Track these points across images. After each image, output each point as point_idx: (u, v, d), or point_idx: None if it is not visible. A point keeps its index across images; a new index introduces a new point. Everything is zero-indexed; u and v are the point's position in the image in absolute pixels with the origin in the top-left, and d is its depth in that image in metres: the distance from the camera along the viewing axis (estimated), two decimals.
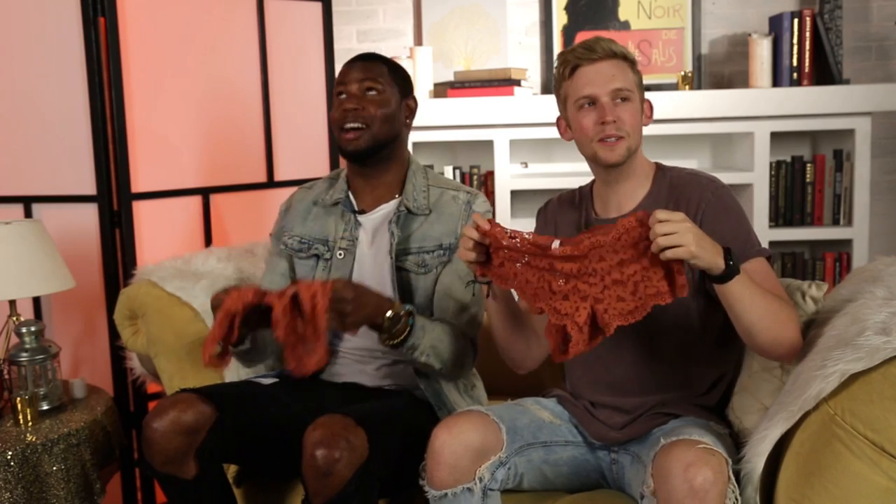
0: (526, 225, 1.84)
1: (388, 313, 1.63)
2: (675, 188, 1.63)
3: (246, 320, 1.58)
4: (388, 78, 1.82)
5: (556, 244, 1.46)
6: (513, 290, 1.54)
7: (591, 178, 1.79)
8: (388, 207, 1.86)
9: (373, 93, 1.79)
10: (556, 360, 1.49)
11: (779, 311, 1.46)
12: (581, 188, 1.79)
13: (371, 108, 1.78)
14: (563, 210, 1.78)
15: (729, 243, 1.49)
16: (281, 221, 1.98)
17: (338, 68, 1.92)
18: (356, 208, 1.88)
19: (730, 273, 1.40)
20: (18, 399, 1.99)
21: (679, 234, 1.34)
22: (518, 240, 1.49)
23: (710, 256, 1.37)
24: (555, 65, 1.68)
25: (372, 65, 1.82)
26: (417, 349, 1.68)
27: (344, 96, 1.81)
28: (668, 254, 1.35)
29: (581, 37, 3.08)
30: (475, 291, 1.81)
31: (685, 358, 1.64)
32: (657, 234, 1.35)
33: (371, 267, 1.84)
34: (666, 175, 1.67)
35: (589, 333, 1.44)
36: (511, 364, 1.76)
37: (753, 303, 1.43)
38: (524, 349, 1.72)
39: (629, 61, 1.62)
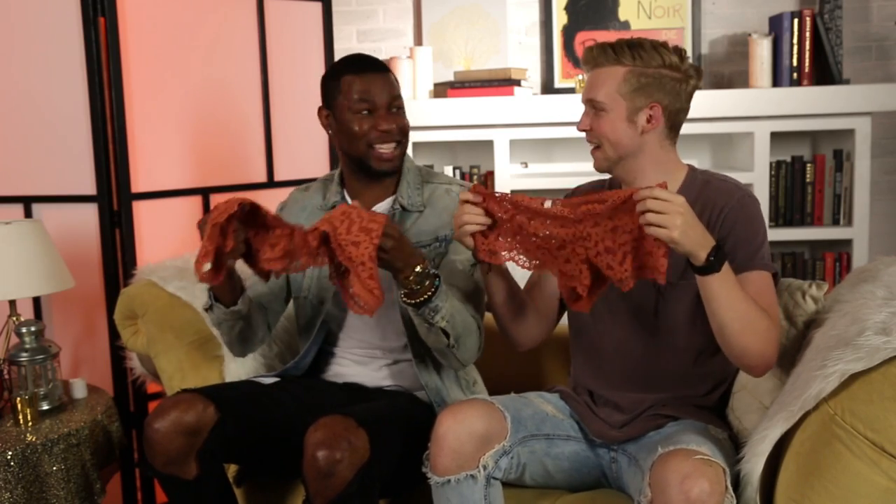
0: None
1: (418, 268, 1.58)
2: (704, 191, 1.62)
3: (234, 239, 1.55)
4: (399, 88, 1.83)
5: (548, 203, 1.48)
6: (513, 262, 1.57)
7: (590, 178, 1.83)
8: (382, 207, 1.85)
9: (398, 108, 1.79)
10: (572, 308, 1.55)
11: (755, 322, 1.46)
12: (612, 178, 1.79)
13: (401, 123, 1.79)
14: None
15: (739, 249, 1.50)
16: None
17: None
18: None
19: (709, 267, 1.41)
20: (18, 399, 1.99)
21: (668, 216, 1.35)
22: (507, 202, 1.52)
23: (692, 245, 1.38)
24: None
25: (389, 78, 1.79)
26: (439, 312, 1.61)
27: (368, 113, 1.75)
28: (651, 231, 1.36)
29: (581, 37, 3.08)
30: (476, 276, 1.78)
31: (692, 356, 1.64)
32: (647, 207, 1.36)
33: None
34: (697, 178, 1.66)
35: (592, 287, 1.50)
36: (511, 340, 1.77)
37: (730, 304, 1.44)
38: (523, 326, 1.72)
39: (627, 65, 1.57)
